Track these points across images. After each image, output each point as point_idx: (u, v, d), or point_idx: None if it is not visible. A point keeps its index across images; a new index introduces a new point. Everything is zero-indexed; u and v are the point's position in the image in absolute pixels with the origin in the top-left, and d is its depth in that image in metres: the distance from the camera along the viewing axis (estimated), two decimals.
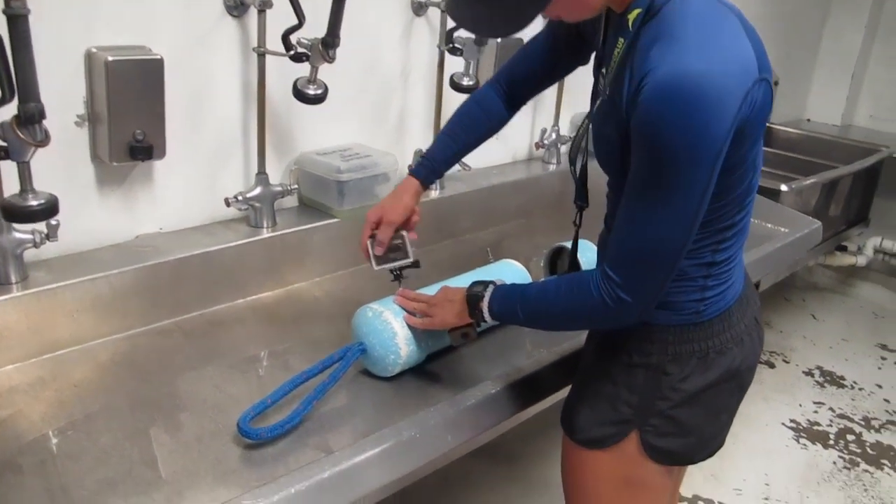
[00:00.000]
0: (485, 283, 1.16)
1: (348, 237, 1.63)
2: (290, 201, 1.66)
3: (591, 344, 1.22)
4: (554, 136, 2.13)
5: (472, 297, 1.15)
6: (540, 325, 1.15)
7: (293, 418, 1.08)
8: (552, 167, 2.15)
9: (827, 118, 3.78)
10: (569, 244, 1.56)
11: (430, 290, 1.29)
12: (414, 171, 1.35)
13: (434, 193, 1.84)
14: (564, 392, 1.25)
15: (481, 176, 2.00)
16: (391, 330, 1.21)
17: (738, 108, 0.89)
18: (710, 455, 1.17)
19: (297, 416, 1.09)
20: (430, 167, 1.34)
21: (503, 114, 1.35)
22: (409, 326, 1.22)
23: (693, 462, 1.17)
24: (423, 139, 1.88)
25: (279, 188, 1.54)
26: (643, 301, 0.99)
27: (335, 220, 1.61)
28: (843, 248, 3.57)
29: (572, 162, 1.22)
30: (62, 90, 1.28)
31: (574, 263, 1.58)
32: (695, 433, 1.12)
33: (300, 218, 1.61)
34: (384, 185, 1.65)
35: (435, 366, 1.30)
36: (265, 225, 1.53)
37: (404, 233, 1.33)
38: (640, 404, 1.10)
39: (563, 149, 2.20)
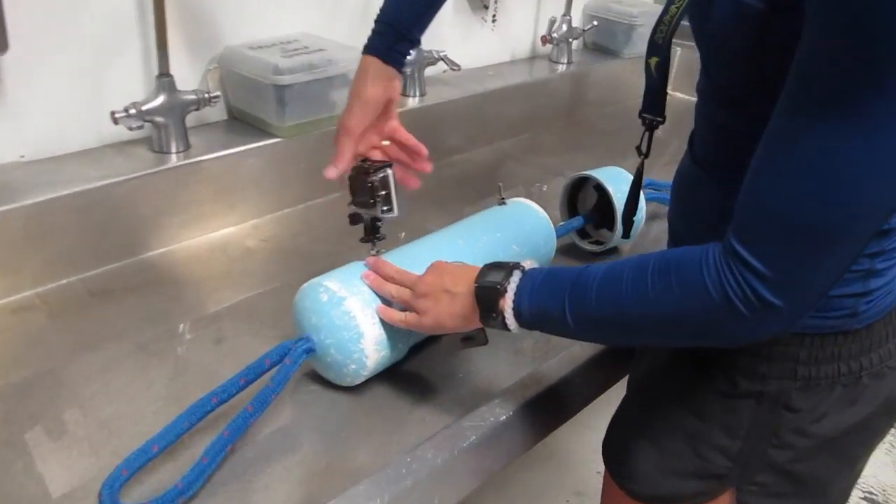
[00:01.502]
0: (504, 267, 0.72)
1: (294, 162, 1.19)
2: (212, 115, 1.20)
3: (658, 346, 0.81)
4: (565, 27, 1.66)
5: (487, 289, 0.71)
6: (602, 337, 0.74)
7: (194, 481, 0.66)
8: (561, 68, 1.69)
9: None
10: (594, 173, 1.14)
11: (409, 259, 0.86)
12: (371, 47, 0.88)
13: (412, 101, 1.38)
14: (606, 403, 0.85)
15: (473, 78, 1.53)
16: (355, 328, 0.78)
17: None
18: None
19: (200, 476, 0.67)
20: (394, 34, 0.87)
21: None
22: (383, 322, 0.80)
23: None
24: None
25: (192, 96, 1.08)
26: (802, 306, 0.56)
27: (275, 139, 1.16)
28: None
29: (656, 51, 0.77)
30: None
31: (606, 206, 1.15)
32: (818, 493, 0.73)
33: (225, 138, 1.16)
34: (343, 89, 1.20)
35: (414, 363, 0.88)
36: (173, 149, 1.08)
37: (390, 171, 0.88)
38: (743, 453, 0.71)
39: (576, 44, 1.74)
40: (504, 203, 1.03)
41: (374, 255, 0.86)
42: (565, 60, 1.70)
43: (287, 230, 1.16)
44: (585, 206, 1.23)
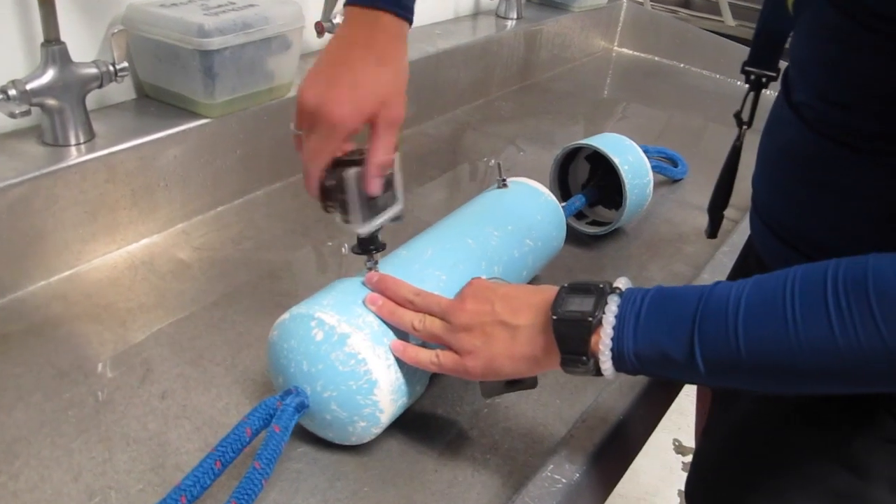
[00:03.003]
0: (592, 289, 0.52)
1: (227, 149, 0.96)
2: (117, 94, 0.95)
3: None
4: None
5: (573, 323, 0.51)
6: (753, 386, 0.49)
7: None
8: (511, 24, 1.50)
9: None
10: (592, 142, 0.96)
11: (408, 269, 0.66)
12: (394, 5, 0.62)
13: None
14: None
15: (422, 37, 1.32)
16: (366, 376, 0.57)
17: None
18: None
19: None
20: None
21: None
22: (399, 361, 0.59)
23: None
24: None
25: (92, 70, 0.83)
26: None
27: (202, 120, 0.92)
28: None
29: None
30: None
31: (602, 180, 0.98)
32: None
33: (138, 122, 0.91)
34: (283, 55, 0.97)
35: (426, 399, 0.68)
36: (72, 140, 0.83)
37: (350, 172, 0.62)
38: None
39: None
40: (505, 185, 0.84)
41: (372, 270, 0.65)
42: (515, 15, 1.50)
43: (226, 233, 0.93)
44: (577, 182, 1.05)
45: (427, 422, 0.67)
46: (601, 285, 0.53)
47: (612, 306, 0.51)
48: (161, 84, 0.94)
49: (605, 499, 0.62)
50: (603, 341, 0.50)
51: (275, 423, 0.56)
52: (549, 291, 0.55)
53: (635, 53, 1.79)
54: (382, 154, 0.61)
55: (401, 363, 0.59)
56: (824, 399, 0.58)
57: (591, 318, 0.50)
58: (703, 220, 0.95)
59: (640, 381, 0.67)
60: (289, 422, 0.56)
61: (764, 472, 0.62)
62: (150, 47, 0.91)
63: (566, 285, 0.54)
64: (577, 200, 0.96)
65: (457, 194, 1.10)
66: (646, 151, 1.16)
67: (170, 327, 0.76)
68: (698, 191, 1.15)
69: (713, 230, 0.84)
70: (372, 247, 0.65)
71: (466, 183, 1.14)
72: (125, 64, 0.85)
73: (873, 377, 0.43)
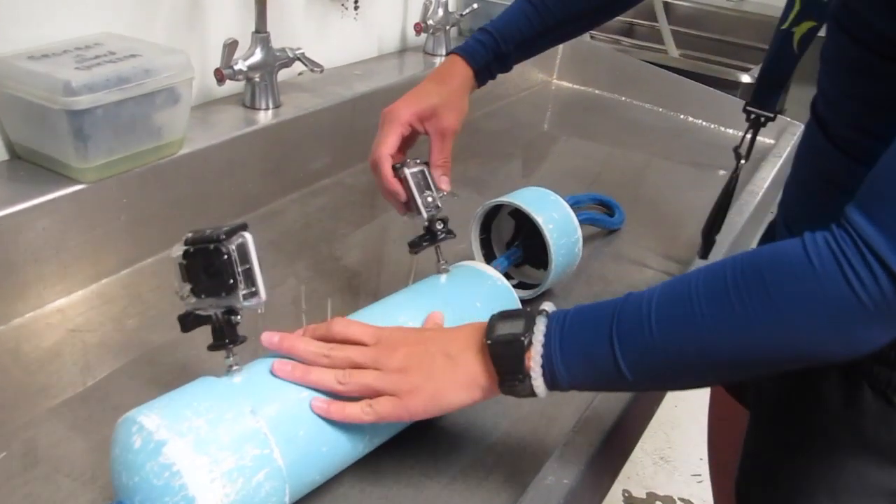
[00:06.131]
0: (519, 314, 0.57)
1: (107, 216, 0.86)
2: None
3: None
4: (441, 11, 1.39)
5: (507, 345, 0.55)
6: (674, 381, 0.56)
7: None
8: (438, 61, 1.42)
9: None
10: (513, 199, 0.88)
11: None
12: (465, 51, 0.82)
13: (263, 116, 1.07)
14: None
15: (336, 80, 1.24)
16: (182, 492, 0.49)
17: None
18: None
19: None
20: (494, 50, 0.82)
21: None
22: (241, 470, 0.51)
23: None
24: (242, 24, 1.10)
25: None
26: None
27: (76, 186, 0.83)
28: None
29: (814, 12, 0.70)
30: None
31: (527, 237, 0.90)
32: None
33: (6, 189, 0.81)
34: (170, 109, 0.87)
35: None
36: None
37: (247, 234, 0.57)
38: None
39: (454, 32, 1.47)
40: (447, 270, 0.77)
41: (232, 367, 0.57)
42: (443, 52, 1.43)
43: (108, 311, 0.83)
44: (501, 239, 0.97)
45: (421, 430, 0.64)
46: (528, 309, 0.57)
47: (541, 325, 0.55)
48: (32, 146, 0.84)
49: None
50: (534, 358, 0.53)
51: None
52: (476, 324, 0.59)
53: (574, 86, 1.73)
54: (436, 155, 0.79)
55: (243, 473, 0.50)
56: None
57: (523, 338, 0.54)
58: (640, 276, 0.98)
59: None
60: None
61: (802, 472, 0.66)
62: (17, 105, 0.81)
63: (495, 314, 0.58)
64: (500, 265, 0.88)
65: (373, 257, 1.01)
66: (577, 203, 1.09)
67: (24, 432, 0.66)
68: (635, 241, 1.07)
69: (705, 251, 0.93)
70: (227, 339, 0.57)
71: (387, 241, 1.05)
72: None
73: (777, 349, 0.48)
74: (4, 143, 0.87)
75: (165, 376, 0.74)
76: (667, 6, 2.28)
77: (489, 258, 0.95)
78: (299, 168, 1.11)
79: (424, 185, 0.77)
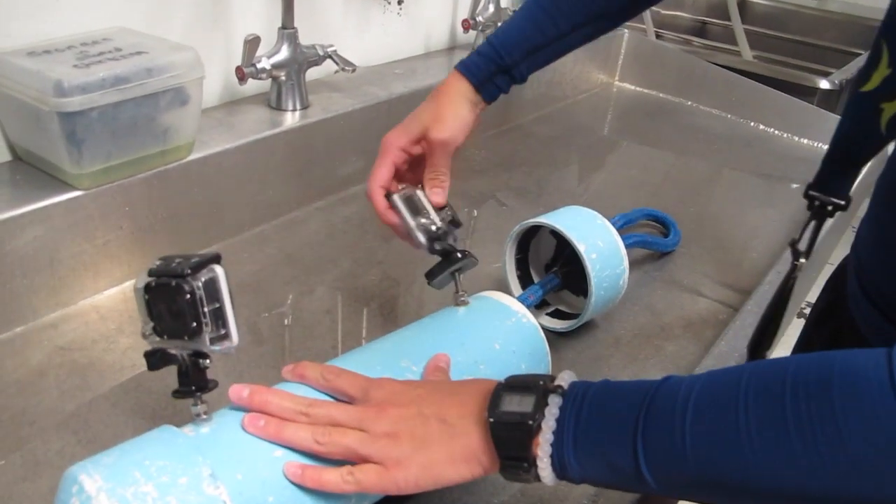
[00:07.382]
0: (531, 387, 0.47)
1: (102, 227, 0.80)
2: None
3: None
4: (492, 7, 1.30)
5: (509, 427, 0.46)
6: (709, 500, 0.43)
7: None
8: None
9: None
10: (548, 220, 0.79)
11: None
12: (463, 65, 0.74)
13: (290, 117, 1.00)
14: None
15: (374, 80, 1.16)
16: None
17: None
18: None
19: None
20: (496, 61, 0.73)
21: None
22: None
23: None
24: (271, 19, 1.02)
25: None
26: None
27: (72, 192, 0.76)
28: None
29: None
30: None
31: (569, 258, 0.81)
32: None
33: (2, 192, 0.76)
34: (178, 111, 0.81)
35: None
36: None
37: (218, 269, 0.50)
38: None
39: None
40: (465, 303, 0.68)
41: (199, 415, 0.50)
42: None
43: (102, 327, 0.77)
44: (540, 260, 0.88)
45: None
46: (541, 381, 0.48)
47: (553, 408, 0.46)
48: (29, 147, 0.78)
49: None
50: (542, 447, 0.45)
51: None
52: (482, 383, 0.51)
53: (637, 89, 1.61)
54: (426, 170, 0.72)
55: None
56: None
57: (531, 422, 0.45)
58: (693, 307, 0.87)
59: None
60: None
61: None
62: (13, 105, 0.75)
63: (503, 381, 0.49)
64: (533, 293, 0.79)
65: (397, 276, 0.92)
66: (629, 222, 0.99)
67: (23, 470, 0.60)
68: (690, 265, 0.96)
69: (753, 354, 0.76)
70: (194, 386, 0.50)
71: (414, 260, 0.97)
72: None
73: (847, 500, 0.37)
74: (6, 144, 0.81)
75: (150, 406, 0.67)
76: (743, 4, 2.14)
77: (525, 281, 0.85)
78: (326, 174, 1.03)
79: (419, 208, 0.70)
